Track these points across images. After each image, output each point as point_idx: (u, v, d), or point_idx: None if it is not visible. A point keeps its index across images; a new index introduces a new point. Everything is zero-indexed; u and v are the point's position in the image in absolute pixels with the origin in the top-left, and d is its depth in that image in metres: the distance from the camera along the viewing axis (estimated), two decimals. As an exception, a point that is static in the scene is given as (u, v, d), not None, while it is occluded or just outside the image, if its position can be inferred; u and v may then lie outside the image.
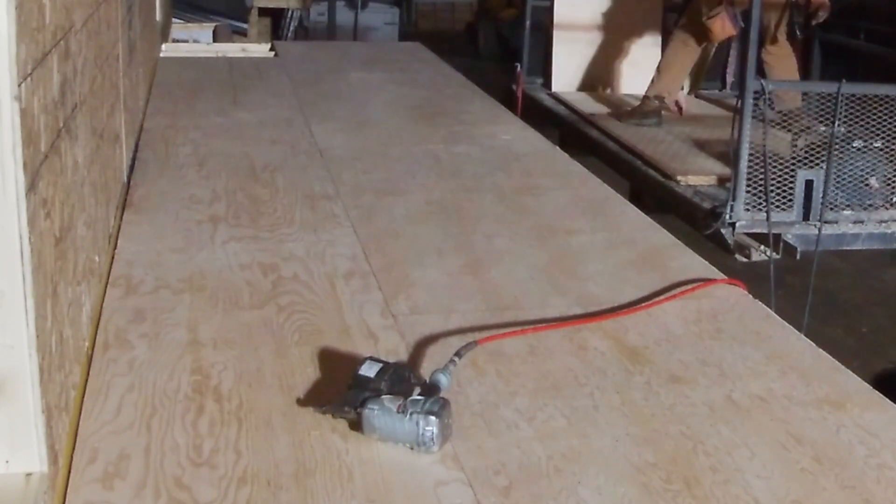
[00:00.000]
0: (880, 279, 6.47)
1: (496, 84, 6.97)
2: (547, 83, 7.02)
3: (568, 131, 6.34)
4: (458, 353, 2.21)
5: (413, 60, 6.76)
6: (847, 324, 5.78)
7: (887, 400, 2.24)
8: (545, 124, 5.87)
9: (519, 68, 6.79)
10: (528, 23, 7.08)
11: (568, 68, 6.93)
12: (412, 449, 1.96)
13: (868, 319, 5.94)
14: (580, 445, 2.02)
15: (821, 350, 2.50)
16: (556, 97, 6.83)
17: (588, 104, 6.53)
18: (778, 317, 2.71)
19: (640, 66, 6.97)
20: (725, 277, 2.93)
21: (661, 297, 2.75)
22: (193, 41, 8.11)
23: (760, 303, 2.79)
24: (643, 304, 2.71)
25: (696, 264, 3.06)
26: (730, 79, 7.07)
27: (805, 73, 6.64)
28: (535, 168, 4.10)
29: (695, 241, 3.65)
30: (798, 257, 4.52)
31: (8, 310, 1.60)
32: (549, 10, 6.97)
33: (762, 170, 4.46)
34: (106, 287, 2.70)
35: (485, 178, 3.92)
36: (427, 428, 1.94)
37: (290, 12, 10.99)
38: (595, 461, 1.96)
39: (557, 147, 4.59)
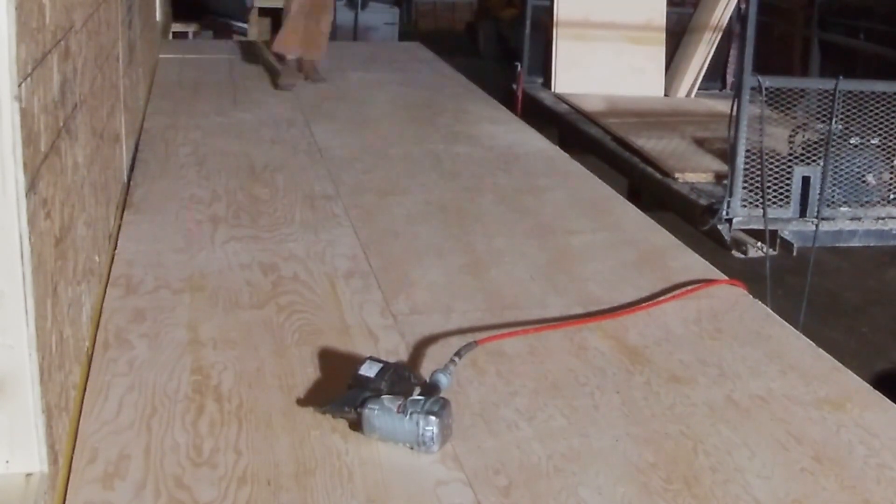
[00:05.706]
0: (881, 279, 6.46)
1: (496, 84, 6.97)
2: (547, 82, 7.02)
3: (567, 130, 6.34)
4: (458, 353, 2.21)
5: (413, 60, 6.77)
6: (847, 324, 5.77)
7: (887, 400, 2.24)
8: (545, 123, 5.86)
9: (519, 67, 6.79)
10: (528, 22, 7.08)
11: (568, 68, 6.93)
12: (412, 449, 1.96)
13: (868, 319, 5.93)
14: (580, 445, 2.02)
15: (821, 350, 2.50)
16: (556, 96, 6.82)
17: (588, 103, 6.53)
18: (778, 317, 2.71)
19: (640, 66, 6.97)
20: (726, 277, 2.93)
21: (662, 297, 2.75)
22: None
23: (760, 303, 2.79)
24: (643, 304, 2.70)
25: (697, 264, 3.06)
26: (730, 78, 7.07)
27: (804, 71, 6.64)
28: (535, 168, 4.10)
29: (695, 241, 3.64)
30: (794, 253, 4.53)
31: (8, 310, 1.60)
32: (550, 10, 6.97)
33: (759, 166, 4.46)
34: (106, 287, 2.70)
35: (485, 178, 3.92)
36: (427, 428, 1.94)
37: (290, 12, 10.97)
38: (595, 461, 1.96)
39: (557, 147, 4.59)
